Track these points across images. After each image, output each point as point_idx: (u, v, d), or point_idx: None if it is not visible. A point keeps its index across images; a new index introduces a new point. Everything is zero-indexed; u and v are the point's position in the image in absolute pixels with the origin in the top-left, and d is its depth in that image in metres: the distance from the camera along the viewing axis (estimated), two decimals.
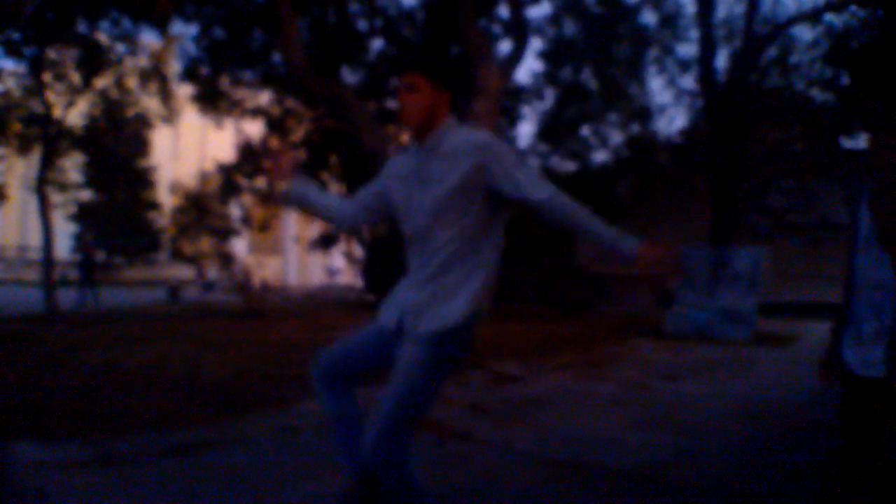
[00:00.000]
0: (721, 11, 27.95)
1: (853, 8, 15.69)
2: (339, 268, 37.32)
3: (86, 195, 37.00)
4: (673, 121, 34.59)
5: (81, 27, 16.82)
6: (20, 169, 30.05)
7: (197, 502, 4.19)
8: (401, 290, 3.08)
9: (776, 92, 18.34)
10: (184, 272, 35.83)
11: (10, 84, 18.99)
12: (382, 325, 3.07)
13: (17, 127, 19.23)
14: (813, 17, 17.11)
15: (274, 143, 18.57)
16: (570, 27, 17.62)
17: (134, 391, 7.27)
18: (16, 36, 15.68)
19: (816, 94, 18.13)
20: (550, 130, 18.79)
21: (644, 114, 19.09)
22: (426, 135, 2.95)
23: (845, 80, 15.98)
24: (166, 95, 20.32)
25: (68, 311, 17.28)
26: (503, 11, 16.00)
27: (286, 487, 4.44)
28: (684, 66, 19.44)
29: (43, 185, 17.99)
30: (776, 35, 17.77)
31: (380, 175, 3.25)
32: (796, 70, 18.35)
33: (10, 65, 15.84)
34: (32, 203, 32.52)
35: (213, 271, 37.21)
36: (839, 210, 19.91)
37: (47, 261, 17.93)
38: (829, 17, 16.74)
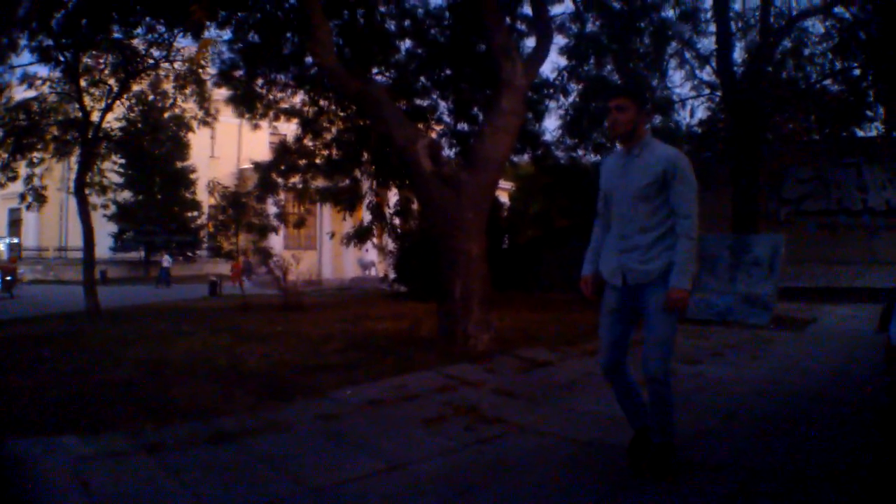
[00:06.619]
0: (737, 4, 28.07)
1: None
2: (371, 261, 37.69)
3: (125, 196, 37.76)
4: (694, 113, 34.61)
5: (116, 33, 16.74)
6: (57, 172, 30.65)
7: (239, 486, 4.41)
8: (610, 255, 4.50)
9: (791, 83, 18.50)
10: (222, 268, 36.48)
11: (44, 90, 18.94)
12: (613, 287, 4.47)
13: (53, 130, 19.39)
14: (824, 10, 17.35)
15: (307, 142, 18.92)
16: (592, 24, 17.80)
17: (177, 383, 7.47)
18: (48, 42, 15.73)
19: (829, 84, 18.30)
20: (575, 124, 19.01)
21: (665, 106, 19.19)
22: (630, 143, 4.11)
23: (856, 71, 16.16)
24: (203, 98, 20.78)
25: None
26: (527, 9, 16.24)
27: (325, 471, 4.68)
28: (703, 59, 19.67)
29: (82, 187, 18.18)
30: (789, 28, 18.12)
31: (601, 175, 4.48)
32: (810, 62, 18.50)
33: (43, 71, 15.68)
34: (70, 205, 33.19)
35: (166, 259, 37.25)
36: (854, 196, 20.09)
37: (88, 261, 18.15)
38: (839, 10, 16.91)
